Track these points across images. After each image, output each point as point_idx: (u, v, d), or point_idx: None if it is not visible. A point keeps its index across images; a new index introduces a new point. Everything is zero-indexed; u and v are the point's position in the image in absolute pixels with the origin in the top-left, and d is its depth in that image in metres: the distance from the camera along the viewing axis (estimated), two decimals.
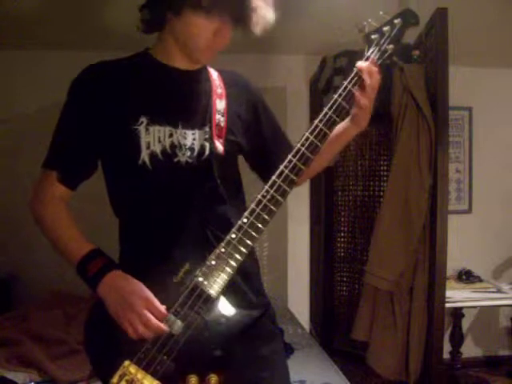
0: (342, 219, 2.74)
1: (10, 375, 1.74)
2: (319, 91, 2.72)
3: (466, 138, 3.24)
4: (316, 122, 0.99)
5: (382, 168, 2.51)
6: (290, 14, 2.33)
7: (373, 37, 1.07)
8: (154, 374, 0.91)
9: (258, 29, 1.01)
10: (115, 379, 0.90)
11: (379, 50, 1.06)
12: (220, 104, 1.07)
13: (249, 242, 0.94)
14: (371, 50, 1.06)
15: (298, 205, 3.04)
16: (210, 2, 0.92)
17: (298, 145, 0.98)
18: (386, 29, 1.06)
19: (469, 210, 3.25)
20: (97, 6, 2.27)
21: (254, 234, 0.94)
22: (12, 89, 2.80)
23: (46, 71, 2.79)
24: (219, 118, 1.06)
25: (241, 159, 1.17)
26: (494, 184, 3.22)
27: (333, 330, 2.73)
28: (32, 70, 2.81)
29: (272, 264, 3.03)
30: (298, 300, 3.09)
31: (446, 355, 2.59)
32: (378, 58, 1.05)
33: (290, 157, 0.97)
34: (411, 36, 1.08)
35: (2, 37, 2.59)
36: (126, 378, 0.90)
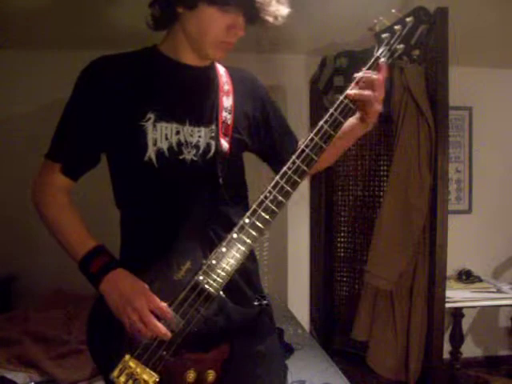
0: (342, 219, 2.74)
1: (10, 375, 1.74)
2: (319, 91, 2.72)
3: (466, 138, 3.24)
4: (321, 122, 0.98)
5: (382, 168, 2.51)
6: (290, 14, 2.32)
7: (383, 36, 1.05)
8: (154, 369, 0.93)
9: (271, 23, 1.00)
10: (116, 373, 0.92)
11: (389, 49, 1.03)
12: (227, 101, 1.07)
13: (250, 241, 0.95)
14: (381, 50, 1.03)
15: (298, 205, 3.04)
16: None
17: (302, 146, 0.97)
18: (397, 27, 1.03)
19: (469, 210, 3.25)
20: (98, 5, 2.27)
21: (255, 233, 0.95)
22: (12, 89, 2.80)
23: (46, 71, 2.79)
24: (226, 116, 1.05)
25: (245, 156, 1.17)
26: (493, 184, 3.22)
27: (333, 330, 2.73)
28: (32, 70, 2.81)
29: (272, 264, 3.03)
30: (298, 300, 3.09)
31: (446, 355, 2.59)
32: (388, 58, 1.03)
33: (293, 158, 0.96)
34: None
35: (2, 37, 2.59)
36: (126, 371, 0.92)
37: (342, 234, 2.73)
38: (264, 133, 1.15)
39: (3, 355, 1.88)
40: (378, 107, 1.02)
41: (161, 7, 1.00)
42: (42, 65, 2.81)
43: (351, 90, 0.99)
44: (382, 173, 2.50)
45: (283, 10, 1.01)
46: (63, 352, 1.94)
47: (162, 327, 0.91)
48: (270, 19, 0.99)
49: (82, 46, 2.53)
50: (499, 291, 2.70)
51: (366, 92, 0.98)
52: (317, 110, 2.87)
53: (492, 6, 2.31)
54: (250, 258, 1.09)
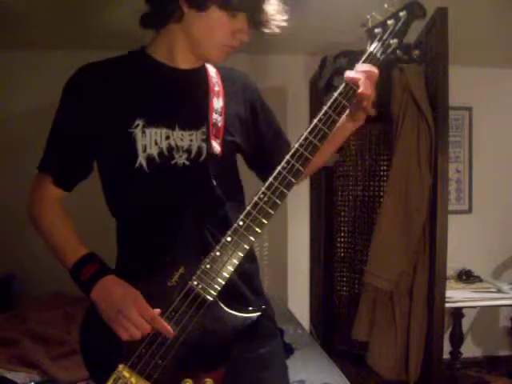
0: (342, 219, 2.74)
1: (10, 375, 1.74)
2: (319, 91, 2.71)
3: (466, 138, 3.24)
4: (315, 121, 0.96)
5: (382, 168, 2.51)
6: (289, 14, 2.32)
7: (376, 31, 1.02)
8: (148, 378, 0.90)
9: (274, 29, 1.01)
10: (109, 383, 0.89)
11: (382, 44, 1.01)
12: (217, 103, 1.05)
13: (245, 245, 0.92)
14: (374, 45, 1.01)
15: (298, 205, 3.04)
16: (239, 1, 0.92)
17: (297, 145, 0.94)
18: (390, 22, 1.01)
19: (469, 210, 3.25)
20: (95, 5, 2.27)
21: (250, 236, 0.92)
22: (11, 89, 2.80)
23: (45, 71, 2.78)
24: (216, 118, 1.03)
25: (239, 158, 1.16)
26: (494, 184, 3.22)
27: (333, 330, 2.73)
28: (31, 70, 2.81)
29: (272, 264, 3.03)
30: (298, 300, 3.09)
31: (445, 355, 2.59)
32: (382, 53, 1.01)
33: (287, 158, 0.93)
34: (411, 35, 1.06)
35: (1, 37, 2.59)
36: (120, 381, 0.89)
37: (342, 234, 2.73)
38: (253, 135, 1.13)
39: (3, 355, 1.88)
40: (367, 105, 1.02)
41: (160, 4, 0.97)
42: (41, 65, 2.81)
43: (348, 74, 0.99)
44: (382, 173, 2.51)
45: (283, 19, 1.02)
46: (63, 352, 1.94)
47: (164, 325, 0.89)
48: (273, 26, 1.00)
49: (81, 46, 2.53)
50: (499, 291, 2.70)
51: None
52: (317, 110, 2.86)
53: (492, 5, 2.31)
54: (251, 259, 1.07)
